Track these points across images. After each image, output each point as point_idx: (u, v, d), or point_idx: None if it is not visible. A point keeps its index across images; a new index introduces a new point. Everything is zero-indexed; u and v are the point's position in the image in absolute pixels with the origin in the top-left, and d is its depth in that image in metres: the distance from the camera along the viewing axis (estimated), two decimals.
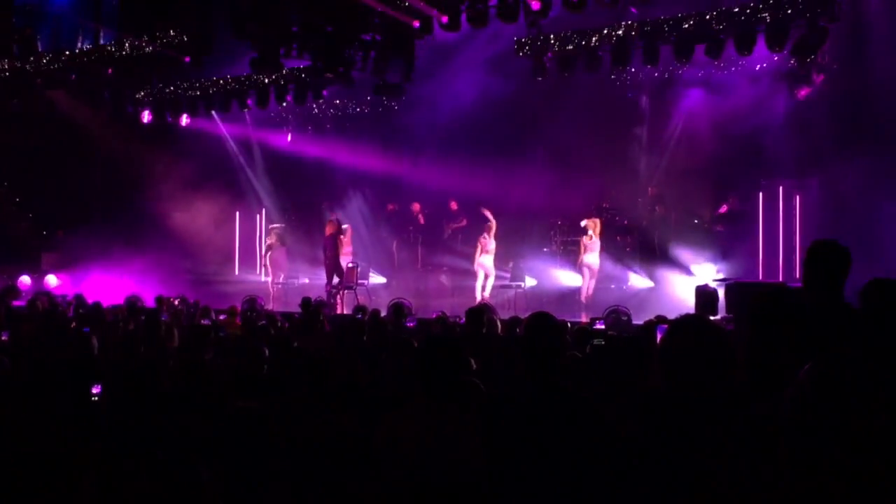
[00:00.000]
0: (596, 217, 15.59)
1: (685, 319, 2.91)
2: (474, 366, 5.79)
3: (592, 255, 15.03)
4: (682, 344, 2.73)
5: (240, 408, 3.06)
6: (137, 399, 4.82)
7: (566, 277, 16.67)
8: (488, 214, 15.54)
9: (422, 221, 18.90)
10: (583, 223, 15.26)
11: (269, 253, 18.18)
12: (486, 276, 15.69)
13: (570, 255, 16.84)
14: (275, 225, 19.14)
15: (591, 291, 15.16)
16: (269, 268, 18.19)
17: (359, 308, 11.29)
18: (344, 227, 16.94)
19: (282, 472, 3.32)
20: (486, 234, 15.53)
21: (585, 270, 15.14)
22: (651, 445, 2.67)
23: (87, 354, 5.85)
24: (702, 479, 2.52)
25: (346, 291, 16.02)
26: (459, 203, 18.47)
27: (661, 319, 8.75)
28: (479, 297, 15.19)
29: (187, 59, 16.23)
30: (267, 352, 6.13)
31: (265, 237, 19.12)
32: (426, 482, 3.24)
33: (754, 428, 2.43)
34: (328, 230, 16.07)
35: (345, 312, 14.42)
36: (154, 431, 4.30)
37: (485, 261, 15.59)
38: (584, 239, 15.10)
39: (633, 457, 2.73)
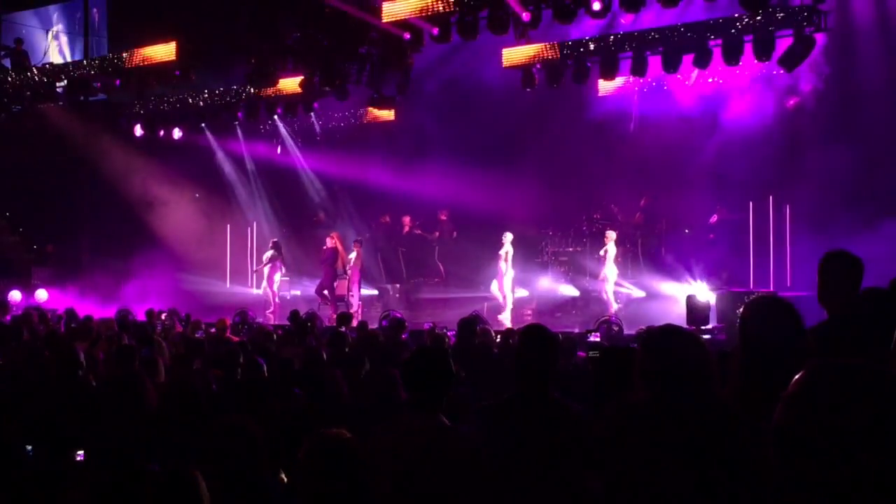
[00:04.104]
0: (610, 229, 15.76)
1: (661, 329, 2.93)
2: (464, 377, 5.79)
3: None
4: (660, 354, 2.75)
5: (229, 421, 3.05)
6: (128, 413, 4.79)
7: (557, 288, 16.68)
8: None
9: (405, 233, 18.95)
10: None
11: (266, 265, 18.10)
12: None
13: (562, 265, 16.87)
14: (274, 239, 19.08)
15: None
16: (263, 279, 18.21)
17: (342, 316, 11.27)
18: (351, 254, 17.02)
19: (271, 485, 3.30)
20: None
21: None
22: (636, 455, 2.67)
23: (74, 370, 5.81)
24: (688, 488, 2.51)
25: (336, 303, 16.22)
26: (427, 215, 18.65)
27: (650, 330, 8.73)
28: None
29: (177, 72, 16.20)
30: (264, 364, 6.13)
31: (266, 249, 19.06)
32: (416, 494, 3.22)
33: (744, 436, 2.43)
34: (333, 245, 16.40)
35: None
36: (144, 445, 4.27)
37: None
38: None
39: (621, 466, 2.72)
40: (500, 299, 15.63)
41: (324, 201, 20.79)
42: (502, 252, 15.57)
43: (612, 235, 15.33)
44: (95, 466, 3.95)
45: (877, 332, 3.63)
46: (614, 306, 14.97)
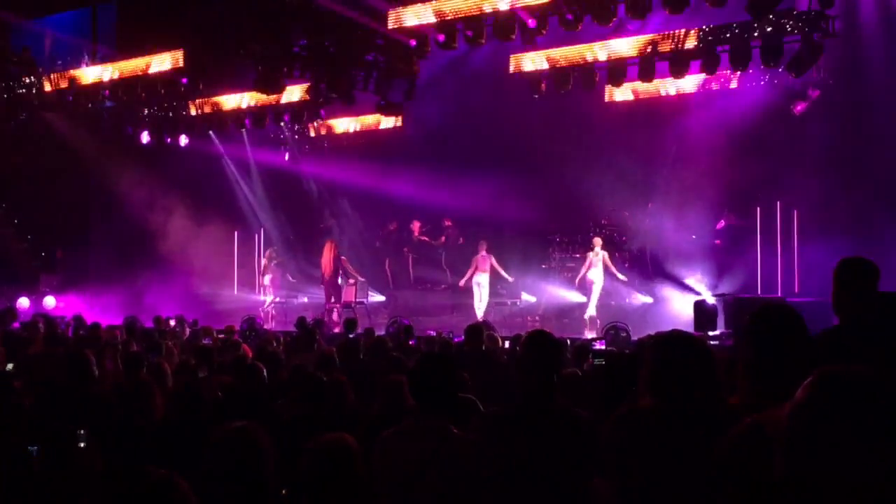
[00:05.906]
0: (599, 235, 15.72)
1: (667, 335, 2.92)
2: (471, 383, 5.77)
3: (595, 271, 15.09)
4: (666, 359, 2.74)
5: (235, 428, 3.04)
6: (136, 421, 4.78)
7: (565, 294, 16.67)
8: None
9: (414, 239, 19.00)
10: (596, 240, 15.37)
11: (264, 273, 18.29)
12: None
13: (569, 271, 16.85)
14: (272, 247, 19.27)
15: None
16: (265, 288, 18.44)
17: (349, 322, 11.29)
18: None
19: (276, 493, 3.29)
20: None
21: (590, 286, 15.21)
22: (642, 461, 2.66)
23: (85, 378, 5.81)
24: (694, 495, 2.50)
25: (343, 310, 16.24)
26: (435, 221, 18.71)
27: (657, 335, 8.72)
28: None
29: (185, 80, 16.26)
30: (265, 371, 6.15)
31: (263, 257, 19.22)
32: (422, 501, 3.21)
33: (750, 442, 2.42)
34: (329, 250, 16.55)
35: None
36: (150, 453, 4.26)
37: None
38: (590, 255, 15.18)
39: (628, 473, 2.71)
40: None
41: (330, 208, 20.84)
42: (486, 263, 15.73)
43: (598, 241, 15.32)
44: (101, 473, 3.95)
45: (888, 337, 3.61)
46: (590, 312, 14.96)
